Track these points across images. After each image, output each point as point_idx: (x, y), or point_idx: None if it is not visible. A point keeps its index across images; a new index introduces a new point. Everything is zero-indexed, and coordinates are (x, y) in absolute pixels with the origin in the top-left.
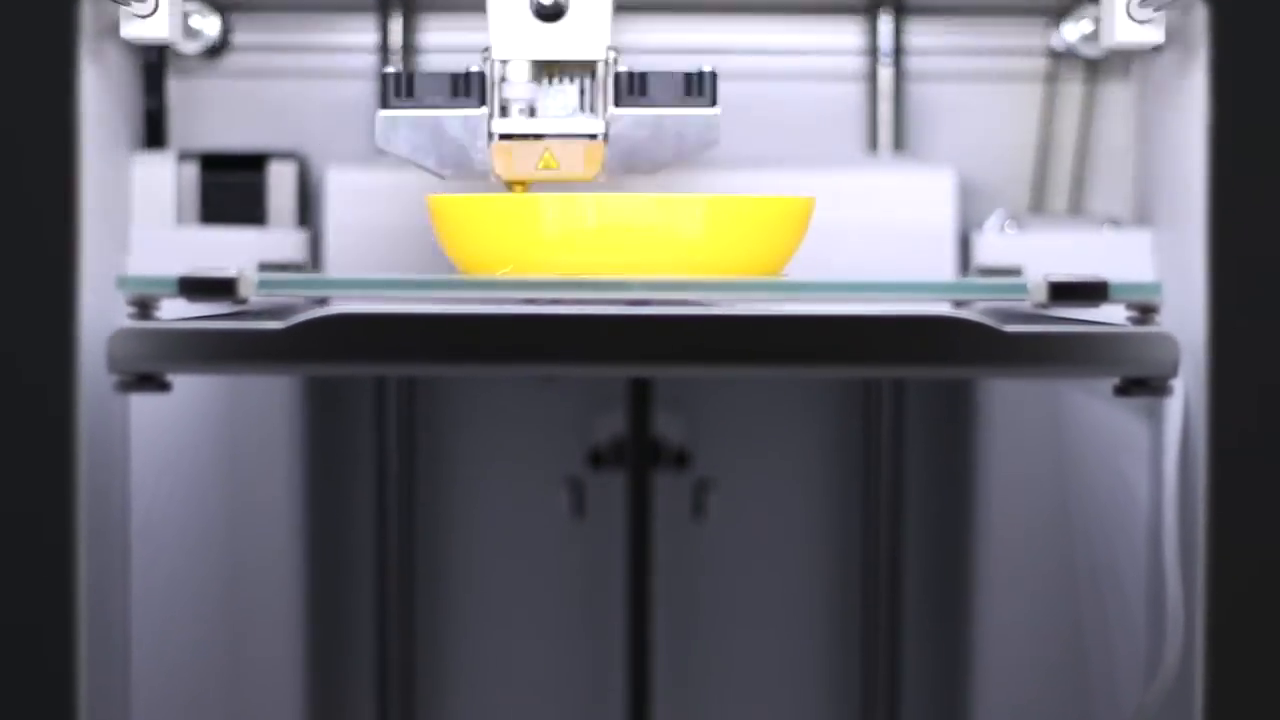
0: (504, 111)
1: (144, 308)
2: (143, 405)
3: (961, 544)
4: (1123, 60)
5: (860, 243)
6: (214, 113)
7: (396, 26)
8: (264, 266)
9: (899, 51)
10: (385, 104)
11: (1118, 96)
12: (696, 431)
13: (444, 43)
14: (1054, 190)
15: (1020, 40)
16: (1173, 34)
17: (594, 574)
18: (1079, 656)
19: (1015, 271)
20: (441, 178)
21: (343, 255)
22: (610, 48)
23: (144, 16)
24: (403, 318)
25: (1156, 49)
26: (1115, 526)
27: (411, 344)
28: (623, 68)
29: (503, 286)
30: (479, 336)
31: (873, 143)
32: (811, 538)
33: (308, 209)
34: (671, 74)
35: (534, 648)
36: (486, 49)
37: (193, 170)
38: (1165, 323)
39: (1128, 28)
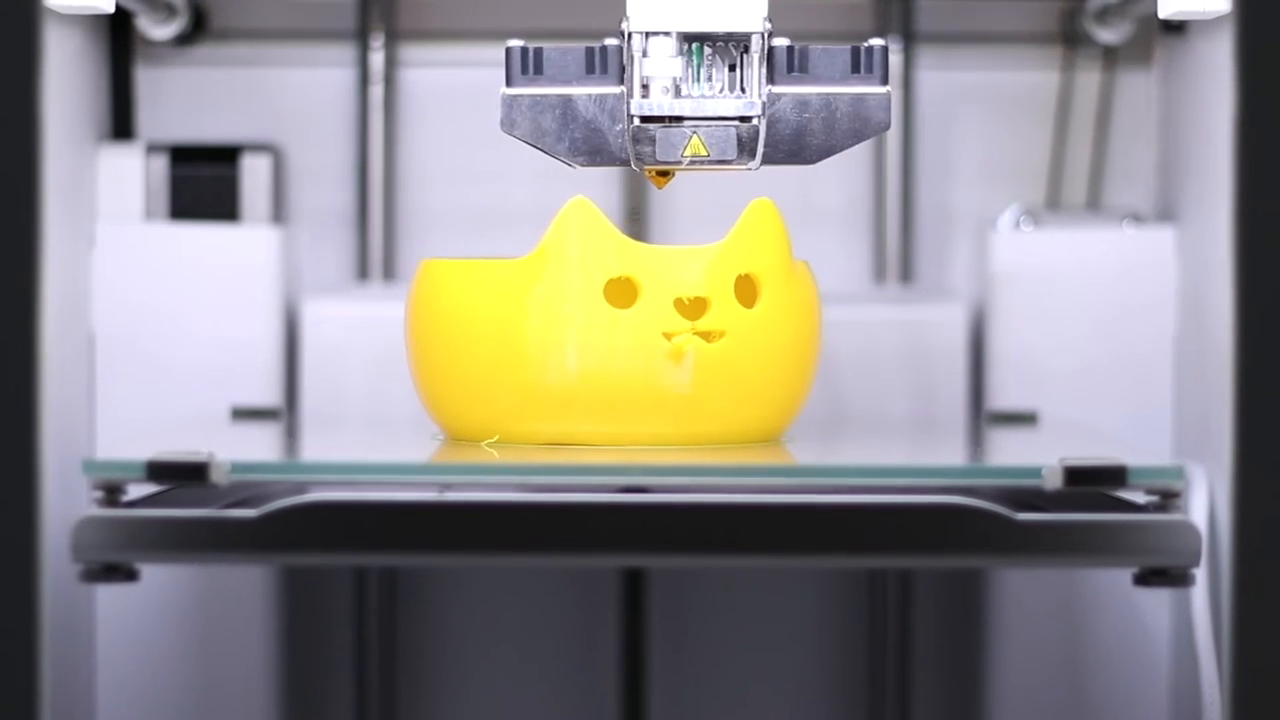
0: (645, 91)
1: (111, 492)
2: (109, 595)
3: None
4: (1143, 44)
5: (866, 378)
6: (185, 102)
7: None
8: (237, 413)
9: (908, 36)
10: (510, 82)
11: (1137, 83)
12: None
13: (431, 27)
14: (1071, 183)
15: (1035, 25)
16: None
17: (587, 627)
18: None
19: (1030, 418)
20: (572, 167)
21: (321, 392)
22: (766, 19)
23: None
24: (384, 506)
25: (1176, 27)
26: (1135, 703)
27: (394, 533)
28: (779, 41)
29: (489, 472)
30: (466, 525)
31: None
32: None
33: (283, 204)
34: (836, 49)
35: None
36: (624, 20)
37: (162, 163)
38: (1185, 332)
39: None
